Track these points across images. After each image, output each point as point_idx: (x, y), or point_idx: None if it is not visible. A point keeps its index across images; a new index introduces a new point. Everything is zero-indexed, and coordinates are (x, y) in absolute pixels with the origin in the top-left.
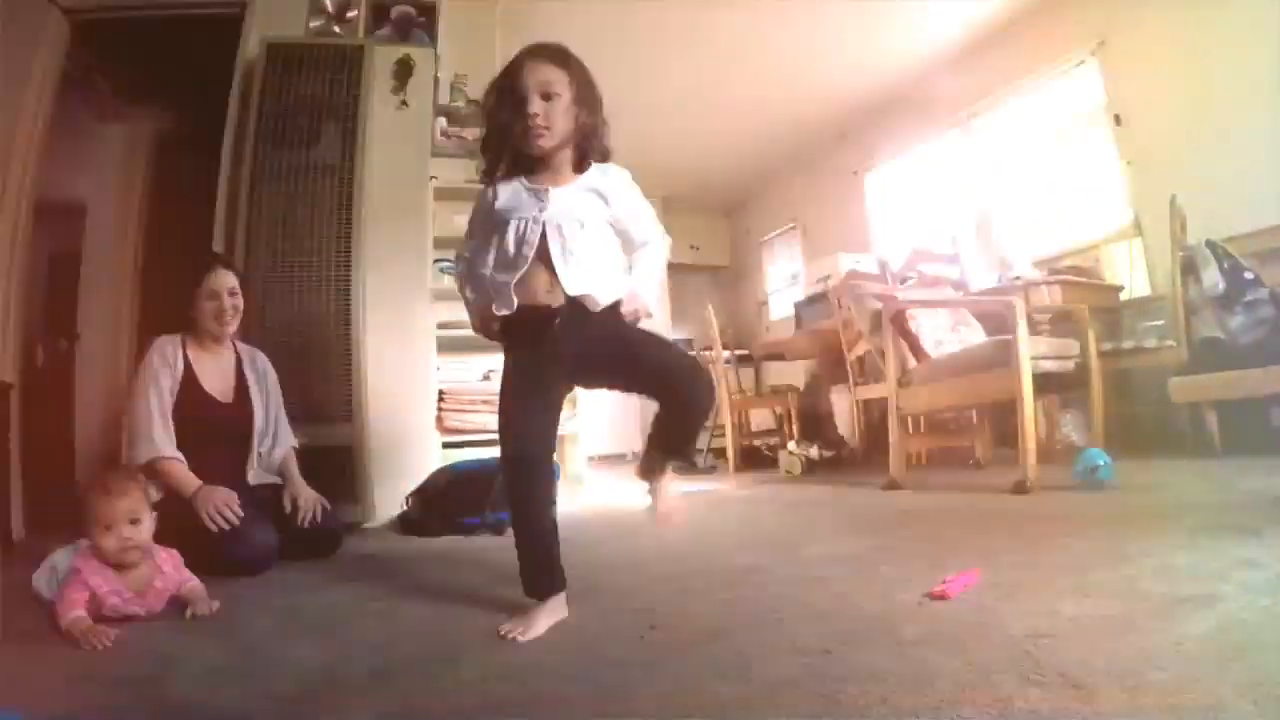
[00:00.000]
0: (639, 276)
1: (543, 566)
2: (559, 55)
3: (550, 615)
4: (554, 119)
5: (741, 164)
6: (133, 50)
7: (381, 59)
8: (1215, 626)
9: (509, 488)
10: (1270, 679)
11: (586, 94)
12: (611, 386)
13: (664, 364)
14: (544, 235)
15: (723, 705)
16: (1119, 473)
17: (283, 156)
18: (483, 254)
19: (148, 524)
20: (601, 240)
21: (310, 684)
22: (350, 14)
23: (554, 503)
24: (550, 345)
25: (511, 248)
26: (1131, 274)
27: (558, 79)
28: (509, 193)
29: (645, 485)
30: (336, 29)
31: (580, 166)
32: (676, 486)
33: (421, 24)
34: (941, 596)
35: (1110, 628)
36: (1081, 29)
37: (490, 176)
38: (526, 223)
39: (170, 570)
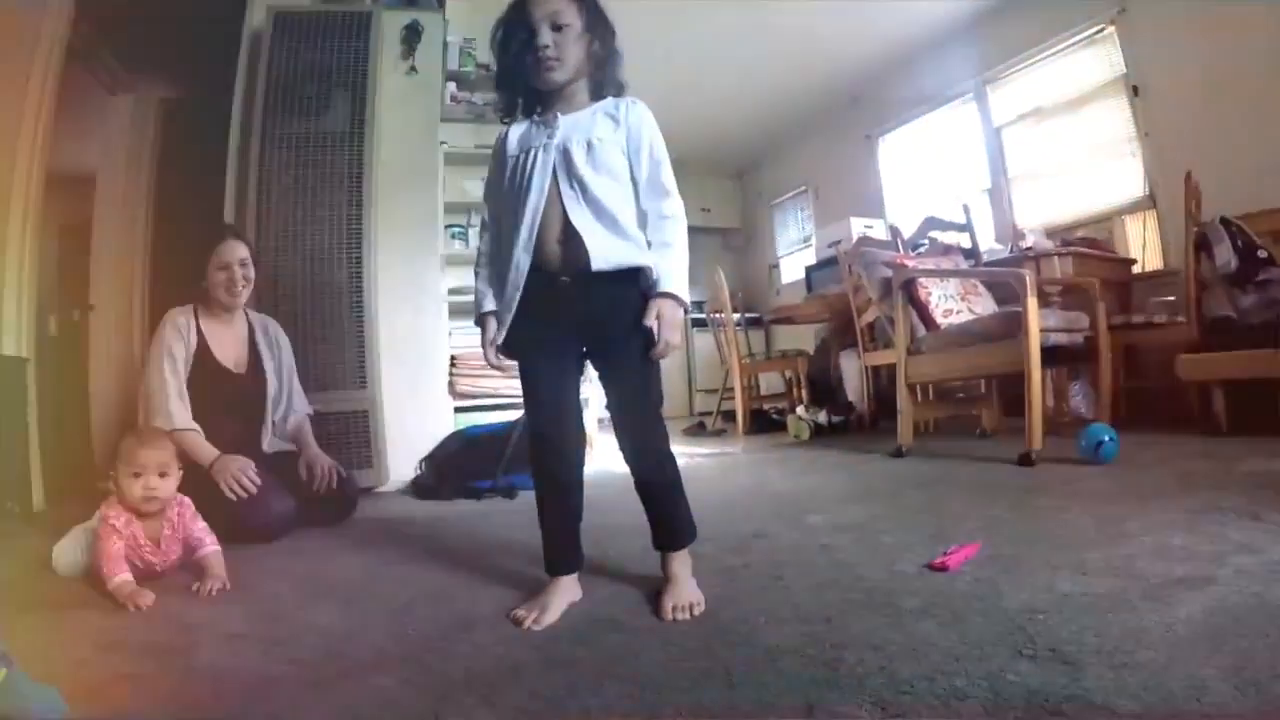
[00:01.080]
0: (667, 267)
1: (562, 546)
2: None
3: (564, 596)
4: (565, 50)
5: (753, 126)
6: (136, 22)
7: (390, 25)
8: (1205, 610)
9: (532, 462)
10: (1253, 664)
11: (597, 22)
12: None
13: (618, 405)
14: (554, 174)
15: (726, 669)
16: (1123, 448)
17: (292, 125)
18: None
19: (173, 480)
20: (615, 169)
21: (332, 649)
22: None
23: (579, 481)
24: (559, 300)
25: (519, 185)
26: (1145, 248)
27: (566, 8)
28: (519, 133)
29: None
30: None
31: (596, 99)
32: (689, 575)
33: None
34: (942, 568)
35: (1103, 606)
36: None
37: (509, 114)
38: (535, 152)
39: (177, 518)
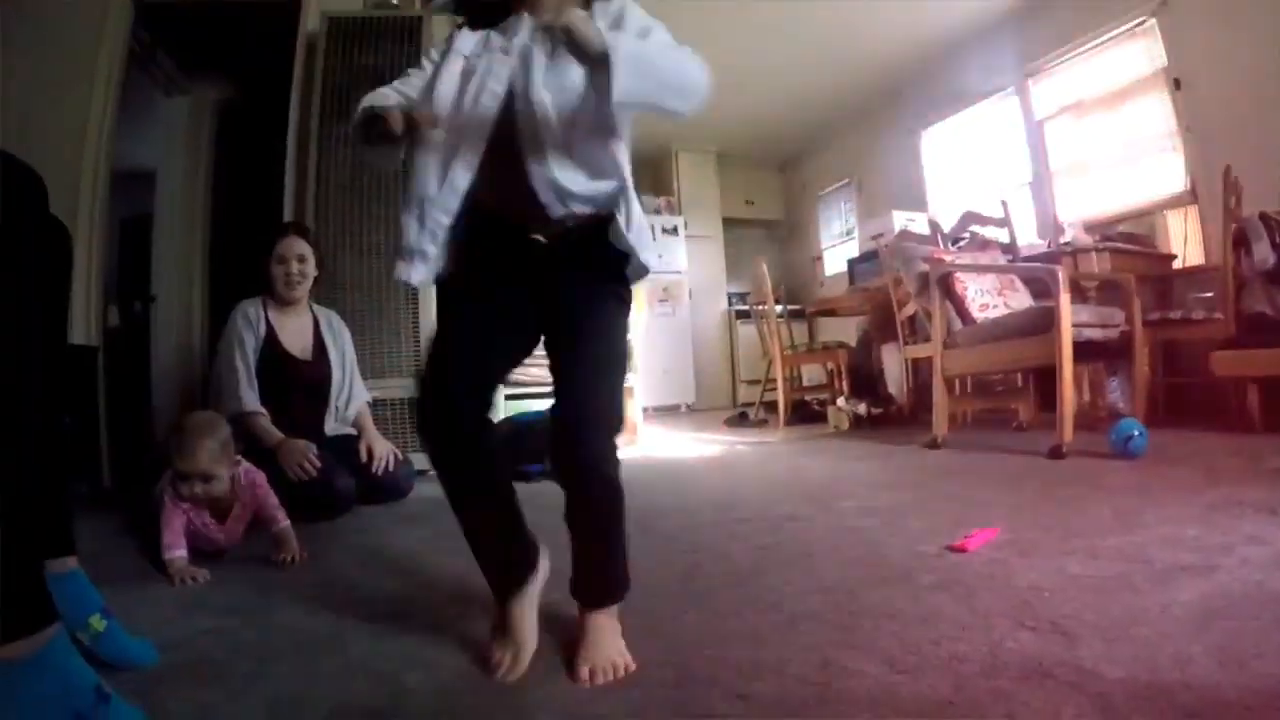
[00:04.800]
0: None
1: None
2: None
3: (525, 627)
4: None
5: (797, 119)
6: (193, 27)
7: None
8: (1204, 594)
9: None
10: (1238, 644)
11: None
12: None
13: (567, 400)
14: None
15: (753, 630)
16: (1155, 443)
17: (346, 126)
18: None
19: (220, 481)
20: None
21: (398, 609)
22: None
23: (497, 481)
24: (514, 257)
25: (466, 102)
26: (1186, 243)
27: None
28: (474, 39)
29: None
30: (394, 1)
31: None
32: (614, 632)
33: None
34: (961, 549)
35: (1107, 587)
36: None
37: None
38: (492, 57)
39: (249, 496)
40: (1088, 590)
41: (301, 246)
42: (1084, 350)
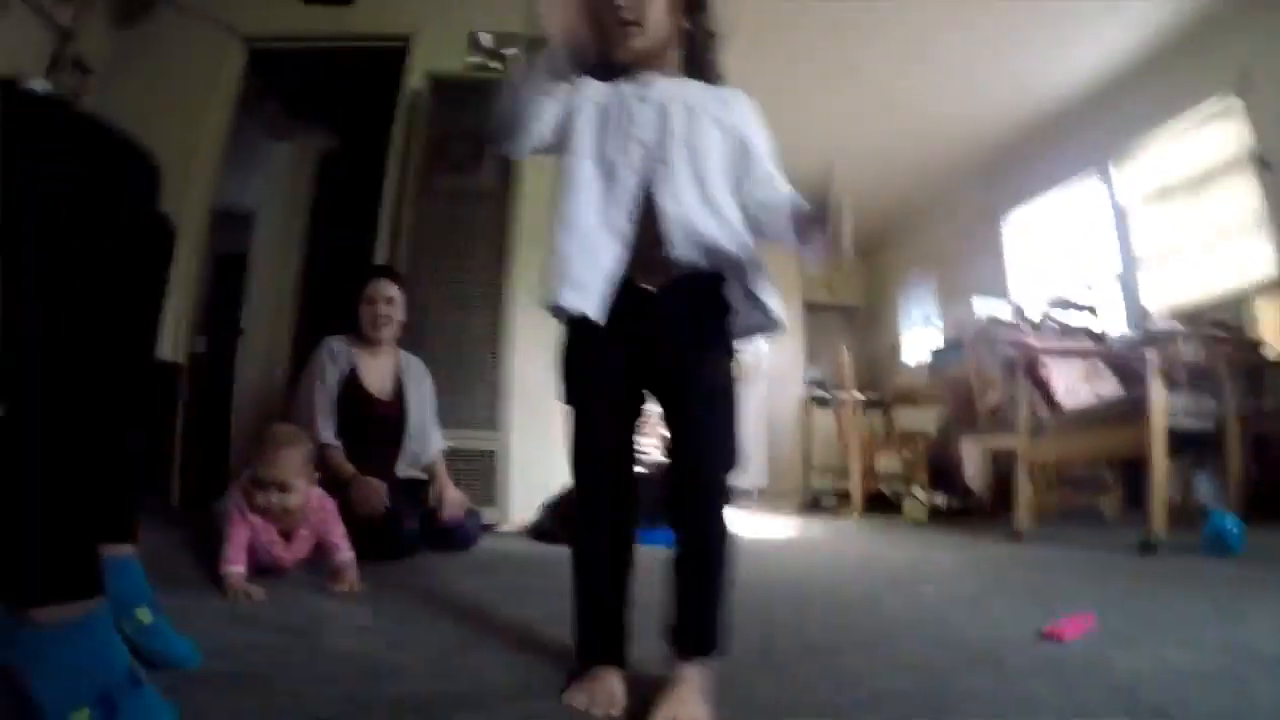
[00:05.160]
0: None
1: (605, 630)
2: None
3: (598, 693)
4: (646, 11)
5: (879, 203)
6: (302, 76)
7: None
8: None
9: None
10: None
11: None
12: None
13: (683, 452)
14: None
15: (835, 707)
16: (1252, 541)
17: (443, 180)
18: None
19: (297, 494)
20: (713, 148)
21: (453, 650)
22: (508, 51)
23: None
24: (630, 314)
25: (611, 146)
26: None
27: None
28: (602, 86)
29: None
30: (495, 65)
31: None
32: (703, 690)
33: None
34: (1055, 637)
35: (1214, 677)
36: (1226, 67)
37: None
38: (628, 103)
39: (317, 520)
40: (1192, 680)
41: (391, 289)
42: (1176, 441)
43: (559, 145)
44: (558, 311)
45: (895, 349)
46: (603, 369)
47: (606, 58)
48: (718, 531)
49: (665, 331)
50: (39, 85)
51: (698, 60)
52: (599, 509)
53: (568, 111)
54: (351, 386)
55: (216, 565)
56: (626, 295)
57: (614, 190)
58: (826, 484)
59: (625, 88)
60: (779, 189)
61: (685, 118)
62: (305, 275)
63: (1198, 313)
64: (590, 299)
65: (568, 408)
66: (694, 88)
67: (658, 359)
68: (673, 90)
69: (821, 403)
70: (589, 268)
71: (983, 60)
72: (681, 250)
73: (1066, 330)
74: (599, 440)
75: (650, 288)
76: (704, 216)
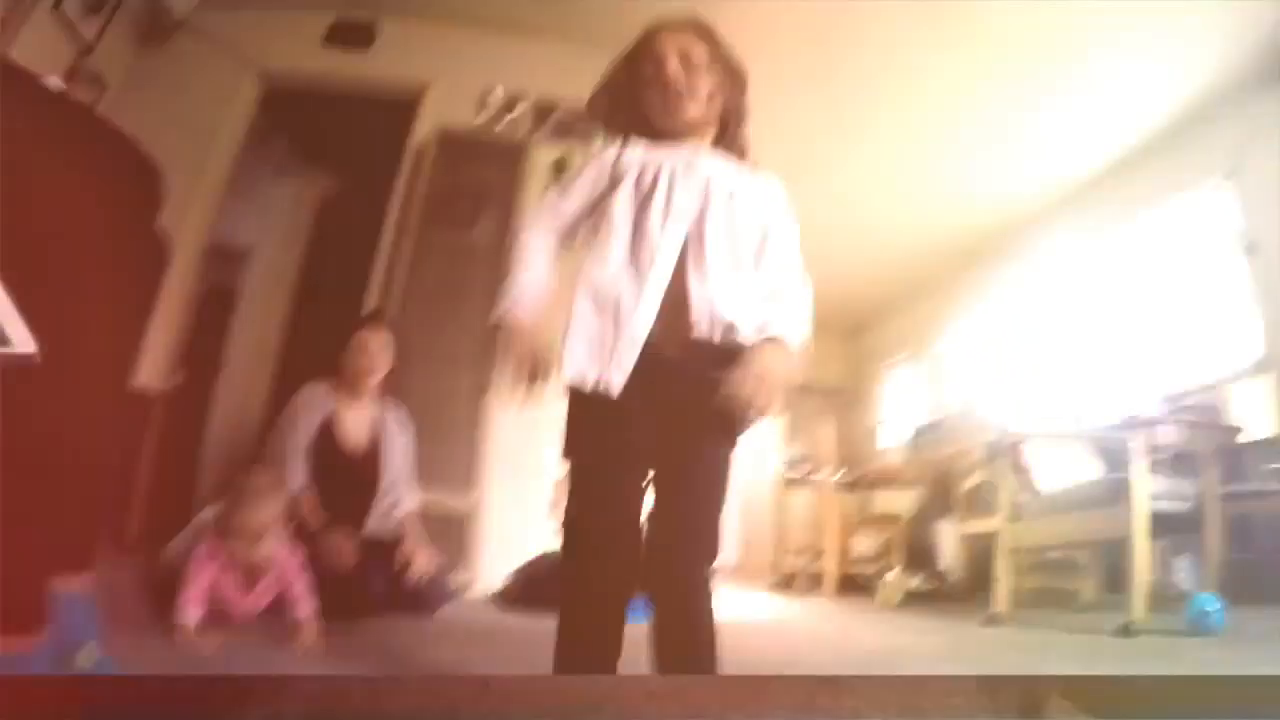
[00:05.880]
0: (781, 314)
1: None
2: (700, 25)
3: None
4: (695, 86)
5: (863, 287)
6: (312, 116)
7: (542, 156)
8: None
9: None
10: None
11: (731, 70)
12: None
13: (664, 538)
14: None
15: None
16: (1233, 620)
17: (442, 233)
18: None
19: (272, 541)
20: (744, 231)
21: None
22: (515, 112)
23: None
24: (649, 382)
25: (654, 220)
26: (1261, 413)
27: (699, 49)
28: (640, 153)
29: None
30: (500, 126)
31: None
32: None
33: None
34: None
35: None
36: (1214, 154)
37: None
38: (673, 174)
39: (281, 569)
40: None
41: (379, 338)
42: (1156, 524)
43: (593, 214)
44: (581, 383)
45: (874, 431)
46: (618, 435)
47: (651, 128)
48: (699, 622)
49: (675, 408)
50: (54, 84)
51: (729, 136)
52: (595, 579)
53: (611, 181)
54: (327, 435)
55: (171, 609)
56: (645, 357)
57: (646, 260)
58: (798, 566)
59: (670, 156)
60: (795, 282)
61: (726, 199)
62: (293, 317)
63: (1178, 396)
64: (616, 373)
65: (569, 467)
66: (734, 169)
67: (664, 436)
68: (716, 168)
69: (796, 483)
70: (616, 339)
71: (967, 150)
72: (703, 329)
73: (1048, 413)
74: (609, 506)
75: (670, 354)
76: (729, 299)
